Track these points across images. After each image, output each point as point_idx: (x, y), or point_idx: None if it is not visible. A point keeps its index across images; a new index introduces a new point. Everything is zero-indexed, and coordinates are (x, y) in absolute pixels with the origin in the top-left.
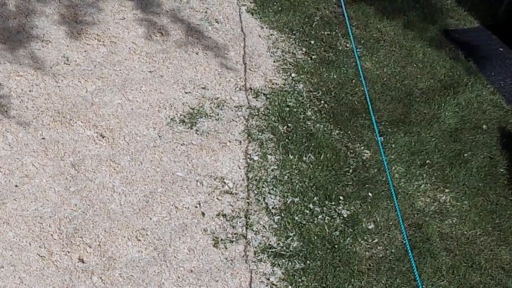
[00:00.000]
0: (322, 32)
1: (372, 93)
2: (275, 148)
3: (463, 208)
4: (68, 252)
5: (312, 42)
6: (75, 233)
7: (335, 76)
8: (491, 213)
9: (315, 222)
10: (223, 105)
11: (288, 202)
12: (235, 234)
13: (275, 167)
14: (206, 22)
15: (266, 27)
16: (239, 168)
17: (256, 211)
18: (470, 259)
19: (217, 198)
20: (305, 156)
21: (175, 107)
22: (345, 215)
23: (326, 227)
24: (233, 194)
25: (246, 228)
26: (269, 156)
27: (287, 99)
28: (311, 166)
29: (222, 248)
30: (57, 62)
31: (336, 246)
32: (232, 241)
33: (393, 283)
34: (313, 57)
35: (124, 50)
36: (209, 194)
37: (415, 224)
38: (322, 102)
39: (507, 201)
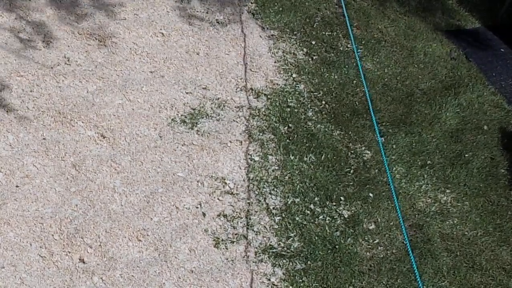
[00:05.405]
0: (323, 33)
1: (373, 94)
2: (276, 149)
3: (464, 209)
4: (69, 252)
5: (313, 42)
6: (76, 233)
7: (336, 77)
8: (492, 213)
9: (316, 222)
10: (224, 106)
11: (289, 202)
12: (236, 234)
13: (276, 168)
14: (207, 23)
15: (267, 28)
16: (240, 169)
17: (257, 212)
18: (471, 260)
19: (218, 199)
20: (306, 157)
21: (176, 108)
22: (346, 216)
23: (327, 228)
24: (234, 194)
25: (247, 228)
26: (270, 157)
27: (288, 100)
28: (312, 166)
29: (223, 248)
30: (58, 62)
31: (337, 246)
32: (233, 242)
33: (394, 283)
34: (314, 57)
35: (125, 51)
36: (210, 195)
37: (416, 224)
38: (323, 102)
39: (508, 202)
